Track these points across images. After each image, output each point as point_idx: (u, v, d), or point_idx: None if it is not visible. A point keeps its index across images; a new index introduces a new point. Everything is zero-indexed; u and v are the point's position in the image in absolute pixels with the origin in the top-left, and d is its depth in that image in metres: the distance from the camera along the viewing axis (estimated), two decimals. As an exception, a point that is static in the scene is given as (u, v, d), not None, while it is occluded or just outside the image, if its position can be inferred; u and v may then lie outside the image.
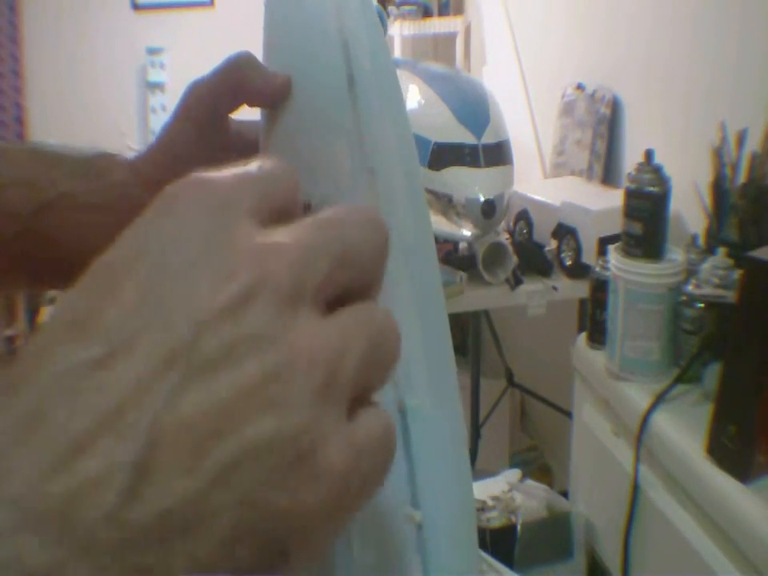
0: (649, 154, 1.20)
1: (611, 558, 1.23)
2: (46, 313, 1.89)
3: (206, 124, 0.42)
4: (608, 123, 1.88)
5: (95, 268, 0.21)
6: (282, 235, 0.21)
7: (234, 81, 0.40)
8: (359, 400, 0.21)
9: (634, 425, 1.13)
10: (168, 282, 0.20)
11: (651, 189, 1.19)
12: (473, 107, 1.68)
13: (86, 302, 0.20)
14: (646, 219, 1.18)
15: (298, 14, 0.36)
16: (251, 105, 0.39)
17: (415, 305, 0.33)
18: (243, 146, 0.43)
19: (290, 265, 0.21)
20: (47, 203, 0.43)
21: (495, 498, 1.31)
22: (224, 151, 0.43)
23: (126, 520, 0.18)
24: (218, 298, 0.20)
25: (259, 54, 0.40)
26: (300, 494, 0.19)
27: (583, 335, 1.36)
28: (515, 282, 1.70)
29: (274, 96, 0.37)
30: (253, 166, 0.23)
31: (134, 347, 0.19)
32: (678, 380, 1.14)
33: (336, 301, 0.22)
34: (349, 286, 0.22)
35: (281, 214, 0.22)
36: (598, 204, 1.65)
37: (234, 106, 0.42)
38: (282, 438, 0.19)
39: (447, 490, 0.32)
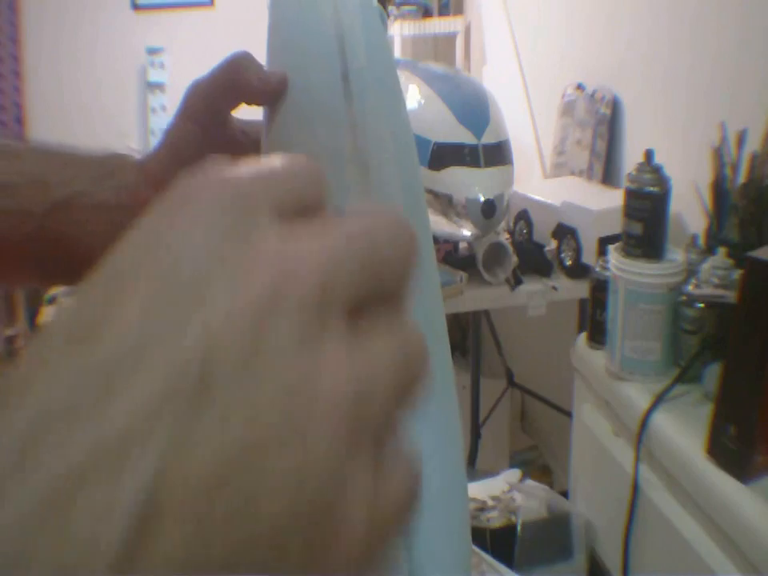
0: (649, 154, 1.20)
1: (611, 558, 1.23)
2: (46, 313, 1.89)
3: (209, 123, 0.43)
4: (608, 123, 1.88)
5: (100, 272, 0.18)
6: (307, 237, 0.19)
7: (231, 80, 0.41)
8: (382, 439, 0.18)
9: (634, 425, 1.13)
10: (178, 288, 0.17)
11: (651, 189, 1.19)
12: (473, 107, 1.68)
13: (88, 312, 0.17)
14: (646, 219, 1.18)
15: (296, 11, 0.36)
16: (249, 103, 0.40)
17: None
18: (248, 144, 0.44)
19: (317, 270, 0.18)
20: (60, 202, 0.43)
21: (495, 498, 1.31)
22: (229, 150, 0.43)
23: None
24: (234, 304, 0.17)
25: (259, 54, 0.40)
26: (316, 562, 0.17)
27: (583, 335, 1.36)
28: (515, 281, 1.70)
29: (270, 94, 0.37)
30: (273, 160, 0.20)
31: (136, 367, 0.16)
32: (678, 380, 1.14)
33: (358, 308, 0.19)
34: (376, 294, 0.19)
35: (305, 212, 0.20)
36: (598, 204, 1.65)
37: (234, 105, 0.42)
38: (302, 490, 0.16)
39: (435, 487, 0.32)
